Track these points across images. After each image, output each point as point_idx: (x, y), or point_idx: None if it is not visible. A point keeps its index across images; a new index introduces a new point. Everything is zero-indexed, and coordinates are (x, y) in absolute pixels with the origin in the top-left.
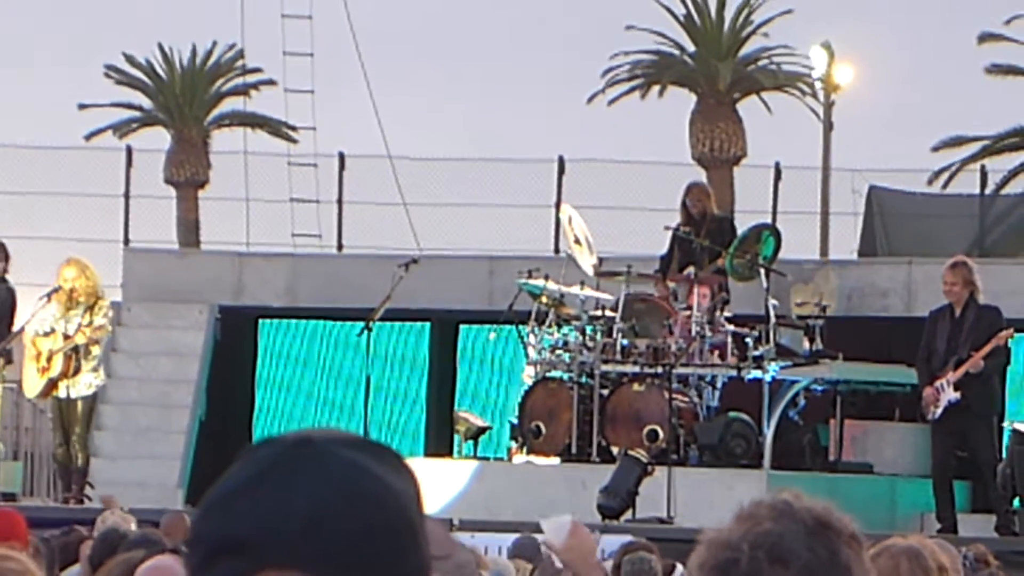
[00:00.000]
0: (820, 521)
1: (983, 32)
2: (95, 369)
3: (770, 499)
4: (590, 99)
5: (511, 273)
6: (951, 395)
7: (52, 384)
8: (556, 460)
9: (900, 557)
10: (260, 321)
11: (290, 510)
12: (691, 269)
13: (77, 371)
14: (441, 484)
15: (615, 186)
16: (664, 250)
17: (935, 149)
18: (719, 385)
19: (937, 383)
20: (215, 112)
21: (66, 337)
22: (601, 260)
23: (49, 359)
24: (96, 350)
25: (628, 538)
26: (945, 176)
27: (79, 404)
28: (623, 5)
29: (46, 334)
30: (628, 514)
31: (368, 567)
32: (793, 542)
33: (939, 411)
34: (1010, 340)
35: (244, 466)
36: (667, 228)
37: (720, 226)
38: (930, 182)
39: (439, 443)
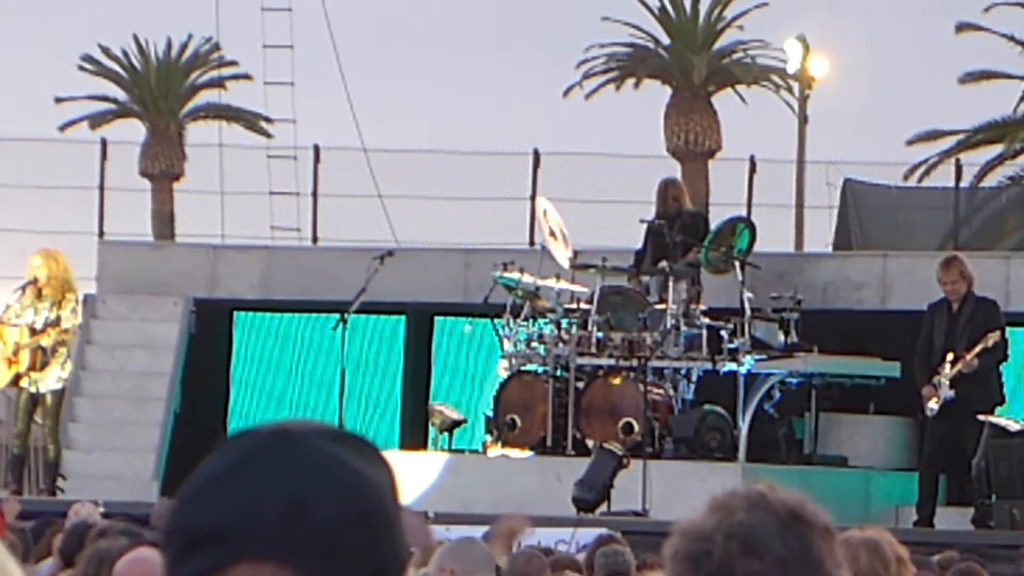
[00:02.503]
0: (793, 513)
1: (960, 21)
2: (62, 364)
3: (744, 490)
4: (566, 92)
5: (486, 266)
6: (947, 393)
7: (19, 376)
8: (531, 453)
9: (859, 548)
10: (235, 313)
11: (267, 501)
12: (664, 263)
13: (44, 366)
14: (416, 477)
15: (590, 179)
16: (639, 244)
17: (910, 143)
18: (694, 378)
19: (935, 379)
20: (190, 105)
21: (32, 332)
22: (576, 253)
23: (16, 352)
24: (63, 348)
25: (604, 531)
26: (920, 171)
27: (48, 398)
28: None
29: (13, 324)
30: (603, 507)
31: (344, 558)
32: (766, 534)
33: (936, 408)
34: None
35: (220, 457)
36: (642, 221)
37: (693, 221)
38: (906, 177)
39: (414, 436)
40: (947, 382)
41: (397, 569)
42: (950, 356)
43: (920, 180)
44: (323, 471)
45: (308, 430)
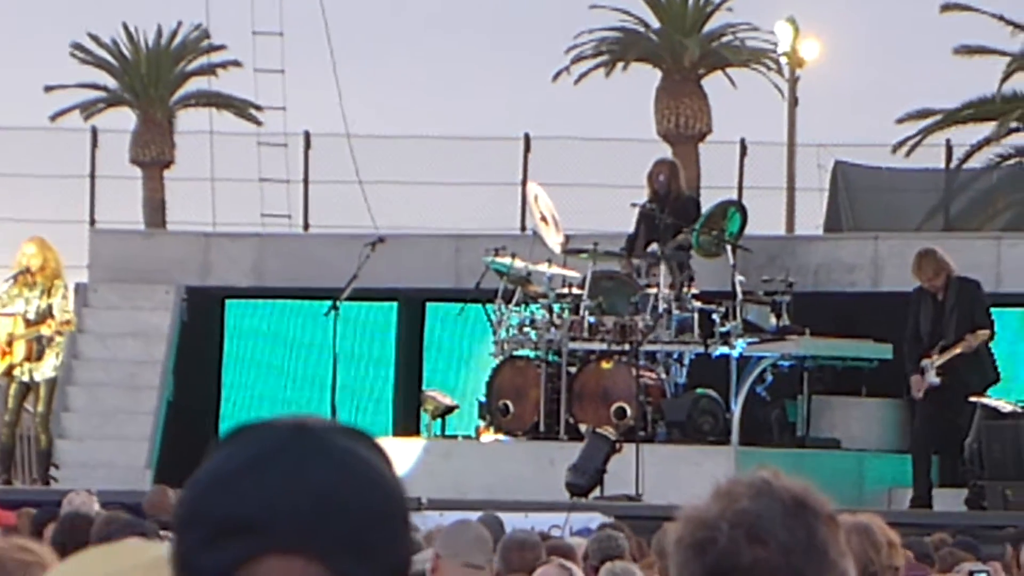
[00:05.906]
0: (798, 500)
1: (946, 1)
2: (57, 354)
3: (748, 477)
4: (555, 76)
5: (478, 251)
6: (933, 379)
7: (12, 367)
8: (524, 438)
9: (850, 533)
10: (227, 301)
11: (301, 494)
12: (655, 246)
13: (41, 356)
14: (409, 463)
15: (581, 163)
16: (632, 228)
17: (899, 121)
18: (686, 362)
19: (923, 363)
20: (180, 92)
21: (28, 323)
22: (568, 238)
23: (10, 343)
24: (61, 338)
25: (597, 515)
26: (908, 146)
27: (41, 387)
28: None
29: (2, 314)
30: (596, 492)
31: (370, 553)
32: (771, 522)
33: (922, 393)
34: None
35: (241, 448)
36: (633, 205)
37: (684, 205)
38: (894, 151)
39: (407, 422)
40: (934, 369)
41: (409, 565)
42: (941, 343)
43: (908, 154)
44: (349, 467)
45: (326, 427)
